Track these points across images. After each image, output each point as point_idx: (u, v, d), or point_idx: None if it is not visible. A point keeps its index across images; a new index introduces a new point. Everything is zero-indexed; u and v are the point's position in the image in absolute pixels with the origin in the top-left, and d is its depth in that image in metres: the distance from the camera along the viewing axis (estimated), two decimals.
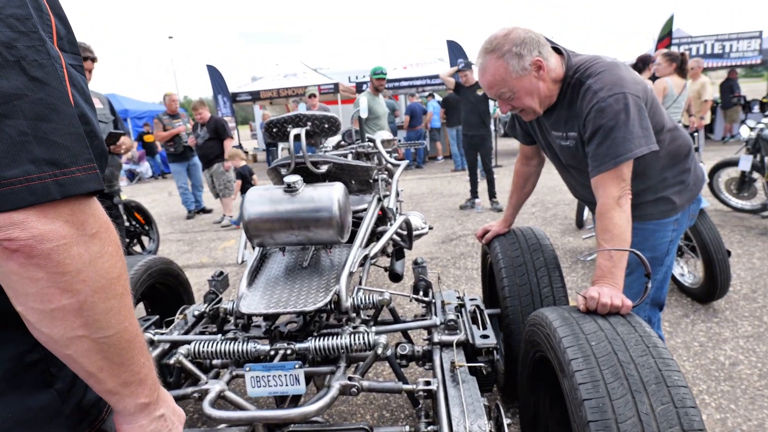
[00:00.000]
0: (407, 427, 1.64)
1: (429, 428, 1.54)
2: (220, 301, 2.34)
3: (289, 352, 1.82)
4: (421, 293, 2.31)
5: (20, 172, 0.56)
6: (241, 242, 2.46)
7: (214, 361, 1.98)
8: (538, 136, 2.03)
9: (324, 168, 2.32)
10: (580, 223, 5.44)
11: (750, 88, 19.03)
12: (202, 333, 2.18)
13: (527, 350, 1.69)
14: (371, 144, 3.34)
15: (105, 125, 3.64)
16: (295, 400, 1.88)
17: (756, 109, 11.13)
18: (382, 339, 1.77)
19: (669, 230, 1.90)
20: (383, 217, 2.76)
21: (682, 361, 2.74)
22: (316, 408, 1.56)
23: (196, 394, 1.71)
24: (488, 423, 1.42)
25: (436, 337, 1.87)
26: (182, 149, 7.58)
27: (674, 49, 11.80)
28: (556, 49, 1.78)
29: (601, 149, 1.62)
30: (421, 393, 1.66)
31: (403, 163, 3.45)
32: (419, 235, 3.25)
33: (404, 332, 2.14)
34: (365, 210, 2.57)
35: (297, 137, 2.22)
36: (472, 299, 2.16)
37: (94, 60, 3.42)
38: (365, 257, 2.25)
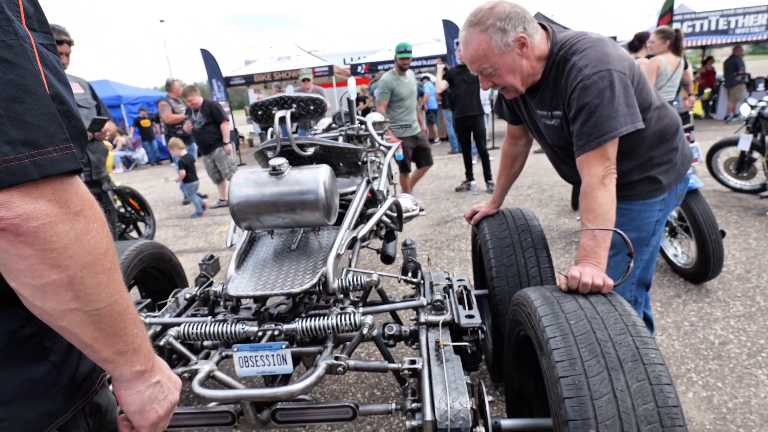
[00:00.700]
0: (393, 405, 1.67)
1: (413, 405, 1.56)
2: (211, 284, 2.35)
3: (277, 333, 1.84)
4: (410, 274, 2.32)
5: None
6: (230, 226, 2.46)
7: (205, 343, 2.01)
8: (524, 115, 2.02)
9: (311, 150, 2.31)
10: (575, 205, 5.42)
11: (756, 66, 18.75)
12: (193, 316, 2.20)
13: (511, 329, 1.70)
14: (362, 126, 3.32)
15: (87, 110, 3.60)
16: (284, 380, 1.90)
17: (761, 87, 10.75)
18: (368, 319, 1.79)
19: (655, 210, 1.90)
20: (373, 200, 2.76)
21: (672, 340, 2.75)
22: (302, 386, 1.58)
23: (186, 374, 1.74)
24: (470, 400, 1.43)
25: (423, 317, 1.88)
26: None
27: (676, 25, 11.65)
28: (542, 25, 1.76)
29: (586, 128, 1.61)
30: (406, 372, 1.68)
31: (395, 145, 3.43)
32: (410, 217, 3.25)
33: (393, 313, 2.15)
34: (354, 192, 2.56)
35: (282, 119, 2.20)
36: (459, 280, 2.16)
37: (70, 43, 3.34)
38: (354, 239, 2.25)
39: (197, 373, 1.70)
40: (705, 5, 11.83)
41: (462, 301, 1.98)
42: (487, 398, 1.48)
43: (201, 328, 1.86)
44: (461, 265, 4.17)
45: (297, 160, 2.32)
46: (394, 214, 2.84)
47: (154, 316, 2.12)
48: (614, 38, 11.64)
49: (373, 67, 12.87)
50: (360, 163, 2.64)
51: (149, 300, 2.38)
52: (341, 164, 2.63)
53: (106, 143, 4.89)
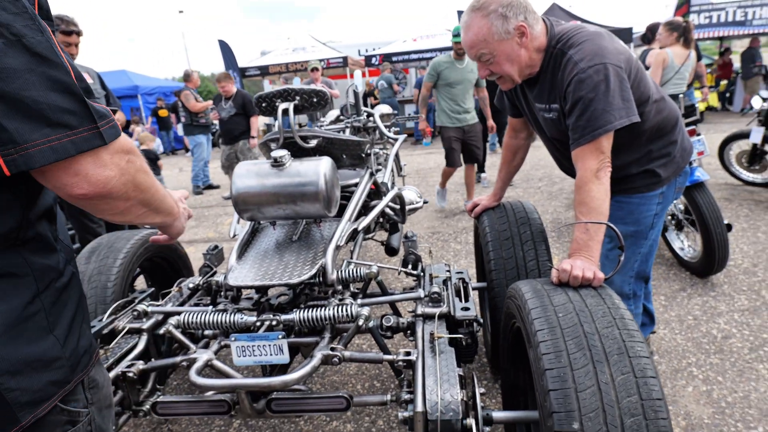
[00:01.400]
0: (388, 396, 1.69)
1: (406, 396, 1.58)
2: (214, 274, 2.39)
3: (274, 323, 1.87)
4: (410, 266, 2.34)
5: (41, 135, 0.69)
6: (234, 217, 2.49)
7: (205, 332, 2.04)
8: (523, 107, 2.01)
9: (313, 142, 2.33)
10: None
11: None
12: (196, 305, 2.24)
13: (506, 322, 1.71)
14: (369, 118, 3.33)
15: (97, 101, 3.66)
16: (282, 370, 1.94)
17: None
18: (365, 311, 1.81)
19: (654, 204, 1.89)
20: (377, 192, 2.78)
21: (674, 334, 2.75)
22: (297, 376, 1.60)
23: (184, 363, 1.77)
24: (461, 392, 1.45)
25: (420, 309, 1.90)
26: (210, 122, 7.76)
27: (693, 16, 11.41)
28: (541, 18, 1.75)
29: (581, 121, 1.61)
30: (401, 363, 1.69)
31: (401, 138, 3.44)
32: (414, 209, 3.27)
33: (392, 305, 2.17)
34: (357, 184, 2.58)
35: (285, 111, 2.22)
36: (458, 272, 2.18)
37: (79, 34, 3.38)
38: (355, 231, 2.27)
39: (195, 362, 1.74)
40: None
41: (459, 293, 2.00)
42: (479, 390, 1.49)
43: (200, 318, 1.89)
44: (467, 258, 4.18)
45: (300, 152, 2.34)
46: (397, 206, 2.85)
47: (157, 305, 2.16)
48: (630, 29, 11.46)
49: (387, 59, 12.80)
50: (364, 155, 2.65)
51: (153, 289, 2.43)
52: (345, 156, 2.65)
53: None
